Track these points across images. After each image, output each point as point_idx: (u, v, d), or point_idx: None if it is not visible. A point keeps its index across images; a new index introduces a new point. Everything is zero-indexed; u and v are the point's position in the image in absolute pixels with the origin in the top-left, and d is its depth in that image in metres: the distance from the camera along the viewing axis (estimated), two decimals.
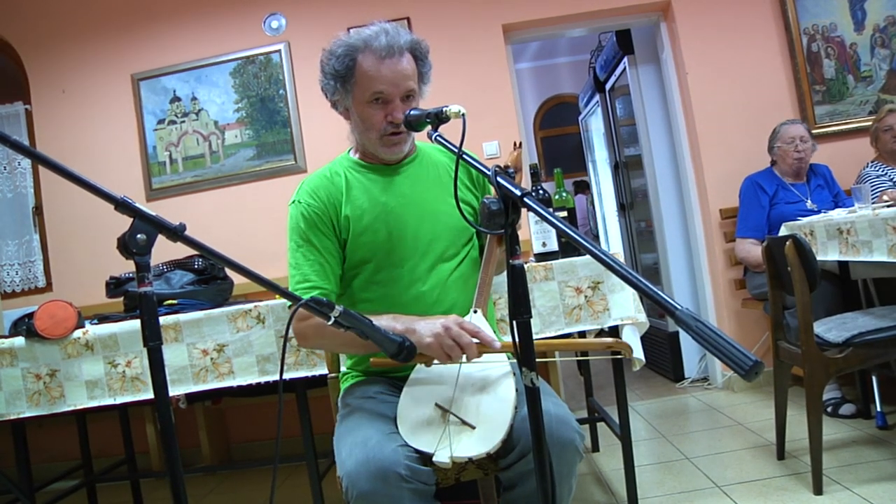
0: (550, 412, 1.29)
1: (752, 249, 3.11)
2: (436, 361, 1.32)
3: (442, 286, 1.52)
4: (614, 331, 2.10)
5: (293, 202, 1.54)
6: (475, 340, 1.29)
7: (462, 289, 1.54)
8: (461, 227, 1.56)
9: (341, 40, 1.48)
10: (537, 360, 1.05)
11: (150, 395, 2.08)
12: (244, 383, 2.09)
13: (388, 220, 1.51)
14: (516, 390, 1.31)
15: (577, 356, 3.11)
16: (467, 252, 1.60)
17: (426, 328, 1.30)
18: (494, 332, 1.49)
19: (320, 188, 1.53)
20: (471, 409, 1.31)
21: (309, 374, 2.05)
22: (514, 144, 1.68)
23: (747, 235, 3.16)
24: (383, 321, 1.30)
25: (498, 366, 1.37)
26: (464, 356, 1.29)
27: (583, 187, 6.48)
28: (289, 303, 1.78)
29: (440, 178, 1.60)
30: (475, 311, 1.46)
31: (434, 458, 1.25)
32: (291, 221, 1.53)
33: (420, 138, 1.56)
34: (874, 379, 2.57)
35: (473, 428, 1.28)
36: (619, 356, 1.43)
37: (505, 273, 1.07)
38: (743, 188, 3.24)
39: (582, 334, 2.58)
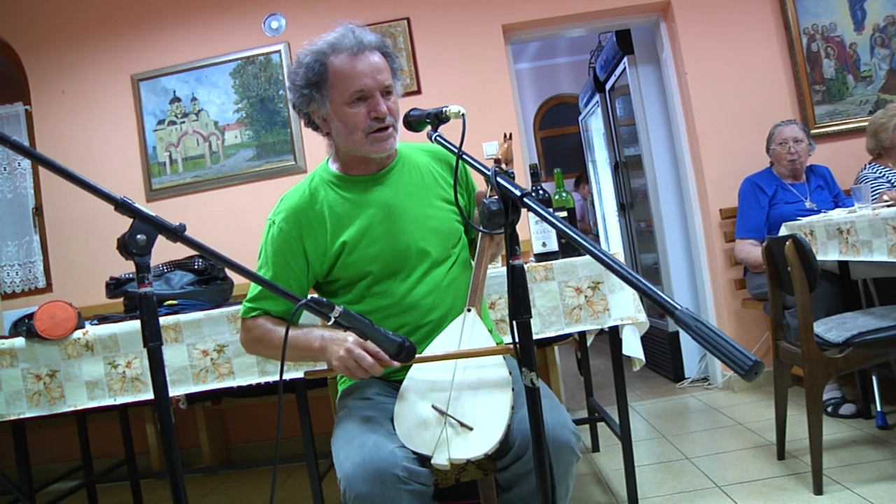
0: (547, 414, 1.29)
1: (751, 250, 3.11)
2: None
3: (437, 292, 1.51)
4: (614, 331, 2.10)
5: (269, 220, 1.52)
6: (372, 360, 1.29)
7: (456, 292, 1.53)
8: (449, 229, 1.55)
9: (306, 49, 1.45)
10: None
11: (150, 395, 2.08)
12: (244, 384, 2.09)
13: (377, 233, 1.49)
14: (513, 390, 1.31)
15: None
16: (458, 254, 1.58)
17: (334, 350, 1.31)
18: (489, 329, 1.48)
19: (298, 211, 1.50)
20: (468, 411, 1.30)
21: None
22: (504, 136, 1.63)
23: (746, 237, 3.16)
24: (301, 336, 1.41)
25: (494, 367, 1.36)
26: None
27: (580, 183, 6.40)
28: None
29: (423, 181, 1.57)
30: (469, 310, 1.46)
31: (432, 461, 1.25)
32: (263, 237, 1.53)
33: (419, 138, 1.55)
34: (874, 379, 2.57)
35: (471, 429, 1.27)
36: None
37: (505, 273, 1.07)
38: (742, 189, 3.24)
39: (582, 334, 2.59)
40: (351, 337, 1.28)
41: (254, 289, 1.52)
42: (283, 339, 1.26)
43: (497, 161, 1.50)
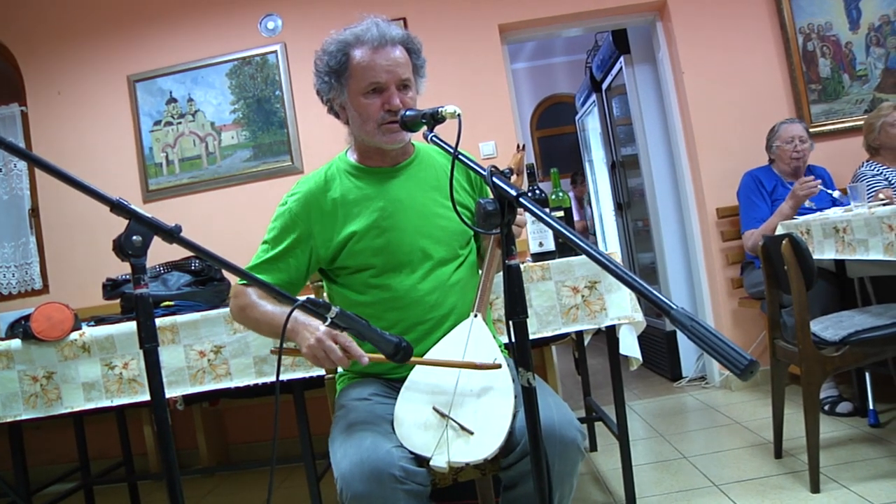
0: (553, 412, 1.30)
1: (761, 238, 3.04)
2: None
3: (441, 289, 1.51)
4: (611, 330, 2.11)
5: (284, 199, 1.56)
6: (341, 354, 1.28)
7: (461, 292, 1.54)
8: (459, 230, 1.55)
9: (333, 38, 1.49)
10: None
11: (146, 396, 2.07)
12: (241, 385, 2.09)
13: (385, 224, 1.50)
14: (515, 396, 1.30)
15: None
16: (466, 255, 1.59)
17: (306, 336, 1.29)
18: (492, 334, 1.48)
19: (311, 196, 1.53)
20: (469, 415, 1.30)
21: (306, 374, 2.05)
22: (518, 147, 1.67)
23: (756, 226, 3.09)
24: (277, 314, 1.41)
25: (498, 373, 1.36)
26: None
27: (576, 182, 6.35)
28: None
29: (438, 181, 1.58)
30: (475, 316, 1.46)
31: (431, 463, 1.25)
32: (274, 214, 1.56)
33: (416, 138, 1.56)
34: (867, 376, 2.57)
35: (472, 433, 1.27)
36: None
37: (502, 273, 1.07)
38: (743, 183, 3.23)
39: (579, 334, 2.59)
40: (323, 326, 1.26)
41: (257, 258, 1.54)
42: (257, 320, 1.30)
43: (511, 171, 1.52)
